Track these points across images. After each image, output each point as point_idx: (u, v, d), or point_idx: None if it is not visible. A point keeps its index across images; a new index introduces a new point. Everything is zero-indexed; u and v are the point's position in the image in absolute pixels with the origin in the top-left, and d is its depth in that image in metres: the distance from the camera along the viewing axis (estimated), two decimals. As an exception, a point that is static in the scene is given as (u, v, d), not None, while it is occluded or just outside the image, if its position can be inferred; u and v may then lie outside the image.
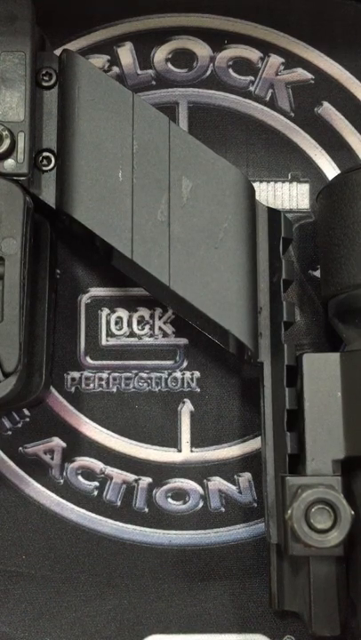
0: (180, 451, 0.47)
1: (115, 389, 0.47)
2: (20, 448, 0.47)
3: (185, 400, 0.47)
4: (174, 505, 0.47)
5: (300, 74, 0.49)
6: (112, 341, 0.47)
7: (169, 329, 0.48)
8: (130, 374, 0.47)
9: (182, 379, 0.47)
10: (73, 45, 0.49)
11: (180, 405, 0.47)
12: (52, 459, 0.47)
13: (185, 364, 0.47)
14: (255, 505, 0.46)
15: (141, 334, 0.48)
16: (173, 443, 0.47)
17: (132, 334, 0.48)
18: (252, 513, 0.46)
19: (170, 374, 0.47)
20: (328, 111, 0.49)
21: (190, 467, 0.47)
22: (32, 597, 0.46)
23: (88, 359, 0.47)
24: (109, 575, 0.46)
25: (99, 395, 0.47)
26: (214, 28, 0.50)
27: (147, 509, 0.46)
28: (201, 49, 0.49)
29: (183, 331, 0.47)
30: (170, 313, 0.48)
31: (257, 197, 0.44)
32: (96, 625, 0.46)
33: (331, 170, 0.49)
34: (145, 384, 0.47)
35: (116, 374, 0.47)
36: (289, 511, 0.38)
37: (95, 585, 0.46)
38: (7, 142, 0.41)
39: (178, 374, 0.47)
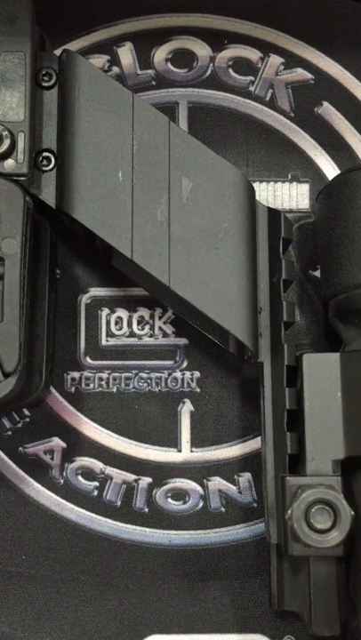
0: (180, 451, 0.47)
1: (115, 389, 0.47)
2: (20, 448, 0.47)
3: (185, 400, 0.47)
4: (174, 505, 0.47)
5: (300, 74, 0.49)
6: (112, 341, 0.47)
7: (169, 329, 0.48)
8: (130, 374, 0.47)
9: (182, 379, 0.47)
10: (73, 45, 0.49)
11: (180, 405, 0.47)
12: (52, 459, 0.47)
13: (185, 364, 0.47)
14: (255, 505, 0.46)
15: (141, 334, 0.48)
16: (173, 443, 0.47)
17: (132, 334, 0.48)
18: (252, 513, 0.46)
19: (170, 374, 0.47)
20: (328, 111, 0.49)
21: (190, 467, 0.47)
22: (32, 597, 0.46)
23: (88, 359, 0.47)
24: (109, 575, 0.46)
25: (99, 395, 0.47)
26: (214, 28, 0.50)
27: (147, 509, 0.46)
28: (201, 49, 0.49)
29: (183, 331, 0.47)
30: (170, 313, 0.48)
31: (257, 197, 0.44)
32: (96, 625, 0.46)
33: (331, 170, 0.49)
34: (145, 384, 0.47)
35: (116, 374, 0.47)
36: (289, 511, 0.38)
37: (95, 585, 0.46)
38: (7, 142, 0.41)
39: (178, 374, 0.47)
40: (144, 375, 0.47)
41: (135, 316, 0.48)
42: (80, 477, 0.47)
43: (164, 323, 0.48)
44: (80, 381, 0.47)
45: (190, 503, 0.47)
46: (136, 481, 0.47)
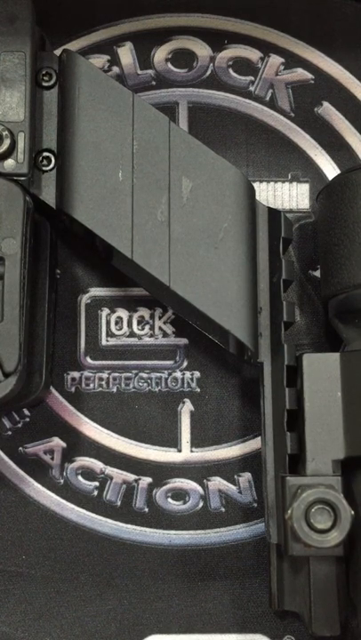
0: (180, 451, 0.47)
1: (115, 389, 0.47)
2: (20, 448, 0.47)
3: (185, 400, 0.47)
4: (174, 505, 0.47)
5: (300, 74, 0.49)
6: (112, 341, 0.47)
7: (169, 329, 0.48)
8: (130, 374, 0.47)
9: (182, 379, 0.47)
10: (73, 45, 0.49)
11: (180, 405, 0.47)
12: (52, 459, 0.47)
13: (185, 363, 0.47)
14: (255, 505, 0.46)
15: (141, 334, 0.48)
16: (173, 443, 0.47)
17: (132, 334, 0.48)
18: (252, 513, 0.46)
19: (170, 374, 0.47)
20: (328, 111, 0.49)
21: (190, 467, 0.47)
22: (32, 597, 0.46)
23: (88, 359, 0.47)
24: (109, 575, 0.46)
25: (99, 395, 0.47)
26: (214, 28, 0.50)
27: (147, 509, 0.46)
28: (201, 49, 0.49)
29: (183, 331, 0.47)
30: (170, 313, 0.48)
31: (257, 197, 0.44)
32: (96, 625, 0.46)
33: (331, 170, 0.49)
34: (145, 384, 0.47)
35: (116, 374, 0.47)
36: (289, 511, 0.38)
37: (95, 585, 0.46)
38: (7, 142, 0.41)
39: (178, 374, 0.47)
40: (144, 375, 0.47)
41: (135, 316, 0.48)
42: (80, 477, 0.47)
43: (164, 323, 0.48)
44: (80, 381, 0.47)
45: (190, 503, 0.47)
46: (136, 481, 0.47)
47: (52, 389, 0.47)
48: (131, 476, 0.47)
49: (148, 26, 0.49)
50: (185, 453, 0.47)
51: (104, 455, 0.47)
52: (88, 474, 0.47)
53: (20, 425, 0.47)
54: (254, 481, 0.47)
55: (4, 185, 0.41)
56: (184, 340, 0.48)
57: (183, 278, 0.42)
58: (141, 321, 0.48)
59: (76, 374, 0.47)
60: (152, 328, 0.48)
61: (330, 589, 0.40)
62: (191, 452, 0.47)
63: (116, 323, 0.48)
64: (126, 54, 0.49)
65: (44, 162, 0.43)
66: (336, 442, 0.40)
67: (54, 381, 0.47)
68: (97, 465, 0.47)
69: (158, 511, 0.46)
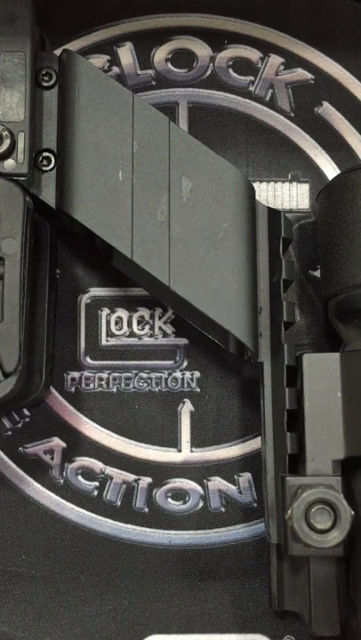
0: (180, 451, 0.47)
1: (115, 389, 0.47)
2: (20, 448, 0.47)
3: (185, 400, 0.47)
4: (174, 505, 0.47)
5: (300, 74, 0.49)
6: (112, 341, 0.47)
7: (169, 329, 0.48)
8: (130, 374, 0.47)
9: (182, 379, 0.47)
10: (73, 45, 0.49)
11: (180, 405, 0.47)
12: (52, 459, 0.47)
13: (185, 364, 0.47)
14: (255, 505, 0.46)
15: (141, 334, 0.48)
16: (173, 443, 0.47)
17: (132, 334, 0.48)
18: (252, 513, 0.46)
19: (170, 374, 0.47)
20: (328, 111, 0.49)
21: (190, 467, 0.47)
22: (32, 597, 0.46)
23: (88, 359, 0.47)
24: (109, 575, 0.46)
25: (99, 395, 0.47)
26: (214, 28, 0.50)
27: (147, 509, 0.46)
28: (201, 49, 0.49)
29: (183, 331, 0.47)
30: (170, 313, 0.48)
31: (257, 197, 0.44)
32: (96, 625, 0.46)
33: (331, 170, 0.49)
34: (145, 384, 0.47)
35: (116, 374, 0.47)
36: (289, 511, 0.38)
37: (95, 585, 0.46)
38: (7, 142, 0.41)
39: (178, 374, 0.47)
40: (144, 375, 0.47)
41: (135, 316, 0.48)
42: (80, 477, 0.47)
43: (164, 323, 0.48)
44: (80, 381, 0.47)
45: (190, 503, 0.47)
46: (136, 481, 0.47)
47: (52, 389, 0.47)
48: (131, 476, 0.47)
49: (148, 26, 0.49)
50: (185, 453, 0.47)
51: (104, 455, 0.47)
52: (88, 474, 0.47)
53: (20, 425, 0.47)
54: (254, 481, 0.47)
55: (4, 185, 0.41)
56: (184, 340, 0.48)
57: (183, 278, 0.42)
58: (141, 321, 0.48)
59: (75, 374, 0.47)
60: (152, 328, 0.48)
61: (330, 589, 0.40)
62: (191, 452, 0.47)
63: (116, 323, 0.48)
64: (126, 54, 0.49)
65: (44, 162, 0.43)
66: (336, 442, 0.40)
67: (54, 381, 0.47)
68: (97, 465, 0.47)
69: (158, 511, 0.46)
